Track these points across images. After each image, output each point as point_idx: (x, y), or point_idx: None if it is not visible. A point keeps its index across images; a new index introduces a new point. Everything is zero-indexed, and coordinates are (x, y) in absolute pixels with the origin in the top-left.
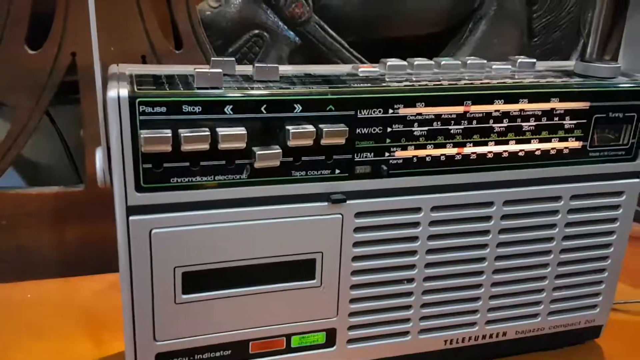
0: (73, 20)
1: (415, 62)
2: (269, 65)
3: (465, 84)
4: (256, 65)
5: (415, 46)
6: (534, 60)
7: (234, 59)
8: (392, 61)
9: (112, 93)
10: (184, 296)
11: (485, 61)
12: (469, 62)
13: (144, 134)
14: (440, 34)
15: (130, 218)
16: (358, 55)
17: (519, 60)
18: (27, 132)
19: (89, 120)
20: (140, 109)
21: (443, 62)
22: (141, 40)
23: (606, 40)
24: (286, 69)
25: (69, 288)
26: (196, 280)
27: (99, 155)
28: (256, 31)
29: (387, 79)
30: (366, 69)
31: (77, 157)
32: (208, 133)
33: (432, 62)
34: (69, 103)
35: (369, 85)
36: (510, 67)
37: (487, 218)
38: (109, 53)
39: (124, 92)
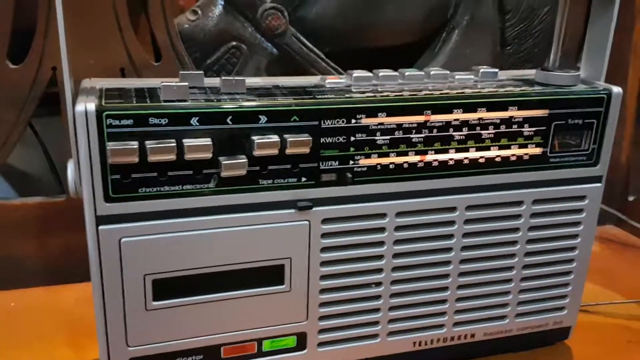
0: (53, 35)
1: (381, 74)
2: (235, 77)
3: (425, 94)
4: (223, 78)
5: (391, 56)
6: (497, 70)
7: (202, 72)
8: (358, 72)
9: (79, 107)
10: (155, 303)
11: (448, 72)
12: (432, 72)
13: (111, 146)
14: (415, 44)
15: (100, 227)
16: (334, 65)
17: (482, 70)
18: (9, 144)
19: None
20: (107, 122)
21: (407, 73)
22: (120, 53)
23: (575, 54)
24: (255, 81)
25: (52, 296)
26: (166, 287)
27: (71, 167)
28: (234, 43)
29: (352, 90)
30: (333, 80)
31: (60, 167)
32: (174, 144)
33: (396, 73)
34: (51, 114)
35: (332, 96)
36: (472, 77)
37: (451, 223)
38: (88, 66)
39: (91, 105)
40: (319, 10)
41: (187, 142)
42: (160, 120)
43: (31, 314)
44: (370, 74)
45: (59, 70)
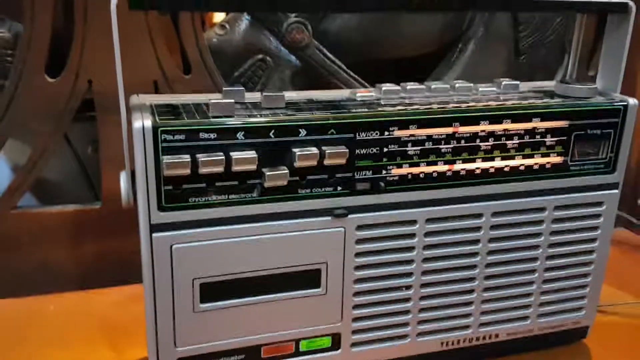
0: (89, 49)
1: (408, 87)
2: (275, 93)
3: (453, 107)
4: (264, 94)
5: (409, 66)
6: (518, 82)
7: (243, 88)
8: (387, 86)
9: (137, 124)
10: (202, 305)
11: (472, 84)
12: (457, 85)
13: (165, 159)
14: (432, 55)
15: (154, 235)
16: (355, 76)
17: (504, 83)
18: (46, 156)
19: (106, 143)
20: (162, 137)
21: (433, 86)
22: (153, 66)
23: (587, 63)
24: (291, 95)
25: (88, 300)
26: (213, 291)
27: (123, 178)
28: (260, 56)
29: (382, 103)
30: (363, 93)
31: (92, 175)
32: (223, 157)
33: (423, 86)
34: (82, 121)
35: (366, 109)
36: (495, 89)
37: (477, 228)
38: (123, 79)
39: (148, 122)
40: (340, 24)
41: (234, 154)
42: (209, 135)
43: (69, 317)
44: (398, 87)
45: (95, 83)
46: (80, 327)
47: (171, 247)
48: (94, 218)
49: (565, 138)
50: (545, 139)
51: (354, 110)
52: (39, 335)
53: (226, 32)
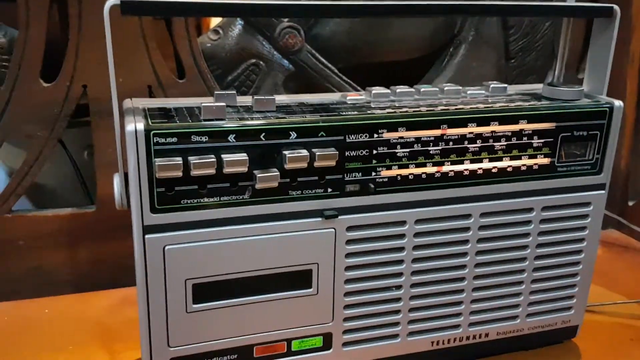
0: (84, 54)
1: (398, 90)
2: (266, 97)
3: (441, 109)
4: (255, 97)
5: (400, 70)
6: (506, 85)
7: (234, 92)
8: (377, 89)
9: (129, 127)
10: (195, 305)
11: (460, 87)
12: (446, 88)
13: (158, 162)
14: (423, 59)
15: (146, 236)
16: (347, 80)
17: (492, 86)
18: (41, 160)
19: (99, 147)
20: (155, 140)
21: (422, 89)
22: (147, 71)
23: (576, 66)
24: (282, 99)
25: (83, 303)
26: (205, 291)
27: (117, 181)
28: (253, 60)
29: (372, 106)
30: (353, 97)
31: (87, 180)
32: (214, 159)
33: (412, 89)
34: (78, 126)
35: (355, 112)
36: (483, 92)
37: (466, 229)
38: (118, 84)
39: (140, 125)
40: (332, 29)
41: (225, 157)
42: (201, 138)
43: (64, 321)
44: (388, 91)
45: (90, 88)
46: (74, 331)
47: (164, 248)
48: (88, 222)
49: (552, 140)
50: (532, 141)
51: (343, 113)
52: (33, 338)
53: (219, 37)
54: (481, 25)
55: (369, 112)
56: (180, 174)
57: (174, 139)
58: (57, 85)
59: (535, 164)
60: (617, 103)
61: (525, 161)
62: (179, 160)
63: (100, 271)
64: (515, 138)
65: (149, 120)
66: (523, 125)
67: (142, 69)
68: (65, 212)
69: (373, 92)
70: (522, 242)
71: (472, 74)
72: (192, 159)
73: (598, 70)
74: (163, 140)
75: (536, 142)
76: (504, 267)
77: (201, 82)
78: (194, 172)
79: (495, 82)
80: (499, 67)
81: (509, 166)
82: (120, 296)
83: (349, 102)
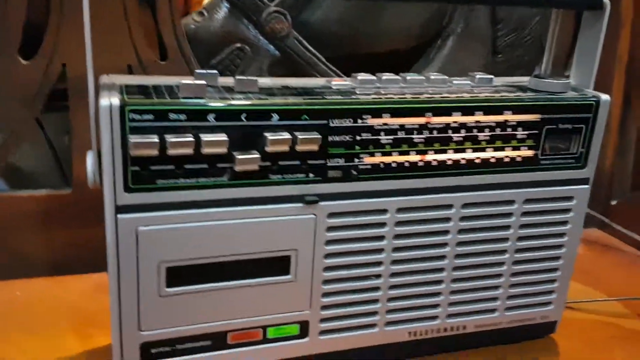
0: (65, 31)
1: (384, 77)
2: (248, 77)
3: (426, 97)
4: (237, 77)
5: (388, 61)
6: (492, 76)
7: (216, 71)
8: (363, 76)
9: (104, 102)
10: (168, 289)
11: (446, 77)
12: (432, 77)
13: (132, 139)
14: (412, 50)
15: (119, 216)
16: (334, 69)
17: (478, 76)
18: (18, 140)
19: (77, 129)
20: (130, 117)
21: (408, 77)
22: (128, 51)
23: (564, 59)
24: (265, 81)
25: (56, 287)
26: (179, 275)
27: (90, 158)
28: (238, 45)
29: (357, 92)
30: (339, 82)
31: (65, 163)
32: (192, 139)
33: (398, 77)
34: (57, 110)
35: (340, 97)
36: (469, 82)
37: (447, 219)
38: (97, 63)
39: (115, 100)
40: (321, 16)
41: (204, 137)
42: (179, 116)
43: (37, 304)
44: (374, 77)
45: (69, 67)
46: (47, 314)
47: (137, 229)
48: (64, 204)
49: (536, 132)
50: (517, 132)
51: (327, 97)
52: (3, 321)
53: (204, 19)
54: (470, 18)
55: (353, 97)
56: (156, 152)
57: (151, 116)
58: (36, 63)
59: (518, 155)
60: (604, 97)
61: (508, 152)
62: (154, 138)
63: (77, 255)
64: (499, 129)
65: (125, 96)
66: (508, 116)
67: (123, 49)
68: (40, 193)
69: (359, 78)
70: (503, 234)
71: (459, 67)
72: (169, 138)
73: (586, 64)
74: (139, 117)
75: (520, 133)
76: (484, 259)
77: (184, 64)
78: (171, 152)
79: (481, 72)
80: (486, 61)
81: (492, 157)
82: (96, 281)
83: (333, 87)
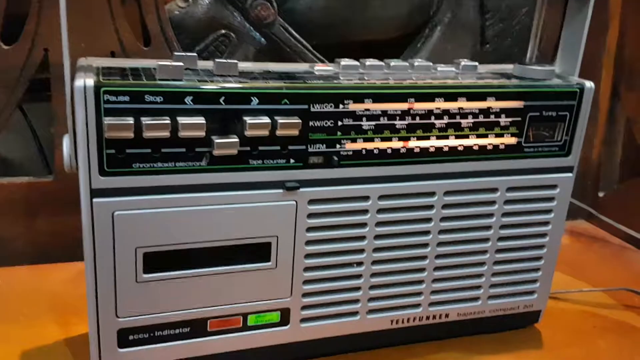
0: (47, 16)
1: (367, 63)
2: (228, 60)
3: (409, 83)
4: (216, 60)
5: (375, 50)
6: (476, 63)
7: (195, 54)
8: (346, 61)
9: (78, 82)
10: (145, 275)
11: (431, 64)
12: (416, 64)
13: (107, 120)
14: (399, 39)
15: (94, 200)
16: (321, 57)
17: (462, 63)
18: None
19: (60, 116)
20: (105, 98)
21: (392, 64)
22: (111, 37)
23: (551, 54)
24: (247, 65)
25: (38, 275)
26: (157, 261)
27: (66, 142)
28: (223, 31)
29: (340, 77)
30: (321, 67)
31: (48, 152)
32: (169, 122)
33: (382, 63)
34: (42, 100)
35: (321, 81)
36: (454, 69)
37: (430, 207)
38: (79, 49)
39: (90, 81)
40: (307, 3)
41: (181, 120)
42: (155, 98)
43: (17, 292)
44: (357, 63)
45: (52, 52)
46: (28, 303)
47: (113, 214)
48: (46, 192)
49: (520, 119)
50: (500, 119)
51: (309, 82)
52: None
53: (189, 4)
54: (458, 8)
55: (335, 82)
56: (131, 135)
57: (126, 98)
58: (18, 48)
59: (502, 143)
60: (588, 84)
61: (492, 140)
62: (130, 120)
63: (58, 243)
64: (482, 116)
65: (101, 77)
66: (491, 103)
67: (105, 35)
68: (22, 180)
69: (342, 63)
70: (485, 222)
71: (446, 57)
72: (145, 120)
73: (571, 52)
74: (114, 98)
75: (504, 120)
76: (467, 247)
77: (167, 50)
78: (147, 134)
79: (466, 60)
80: (474, 52)
81: (475, 144)
82: (78, 270)
83: (316, 73)
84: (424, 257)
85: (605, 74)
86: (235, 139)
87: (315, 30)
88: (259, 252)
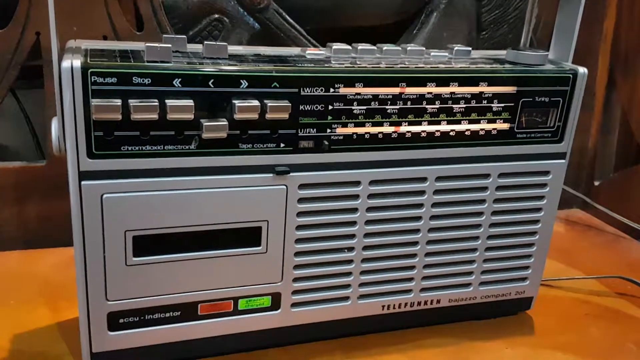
0: (38, 0)
1: (359, 47)
2: (218, 43)
3: (401, 67)
4: (205, 43)
5: (370, 36)
6: (470, 48)
7: (185, 37)
8: (338, 45)
9: (66, 64)
10: (135, 259)
11: (424, 49)
12: (409, 48)
13: (95, 102)
14: (395, 25)
15: (83, 183)
16: (315, 43)
17: (455, 48)
18: None
19: (52, 99)
20: (92, 79)
21: (385, 48)
22: (103, 21)
23: (547, 42)
24: (237, 48)
25: (29, 260)
26: (147, 244)
27: (55, 124)
28: (216, 16)
29: (332, 61)
30: (313, 51)
31: (42, 138)
32: (157, 104)
33: (374, 47)
34: (37, 87)
35: (312, 65)
36: (447, 54)
37: (421, 192)
38: (71, 33)
39: (77, 62)
40: None
41: (169, 102)
42: (143, 80)
43: (9, 276)
44: (349, 47)
45: (43, 36)
46: (19, 287)
47: (101, 196)
48: (38, 177)
49: (512, 104)
50: (492, 105)
51: (299, 65)
52: None
53: None
54: None
55: (326, 65)
56: (119, 116)
57: (114, 79)
58: (9, 32)
59: (494, 128)
60: (582, 70)
61: (484, 125)
62: (118, 102)
63: (50, 228)
64: (474, 101)
65: (89, 58)
66: (483, 88)
67: (98, 19)
68: (14, 165)
69: (334, 47)
70: (477, 208)
71: (442, 44)
72: (133, 102)
73: (565, 38)
74: (102, 80)
75: (496, 106)
76: (458, 233)
77: (160, 35)
78: (135, 116)
79: (459, 45)
80: (470, 39)
81: (467, 130)
82: (69, 255)
83: (308, 57)
84: (415, 243)
85: (602, 63)
86: (224, 122)
87: (309, 15)
88: (249, 236)
